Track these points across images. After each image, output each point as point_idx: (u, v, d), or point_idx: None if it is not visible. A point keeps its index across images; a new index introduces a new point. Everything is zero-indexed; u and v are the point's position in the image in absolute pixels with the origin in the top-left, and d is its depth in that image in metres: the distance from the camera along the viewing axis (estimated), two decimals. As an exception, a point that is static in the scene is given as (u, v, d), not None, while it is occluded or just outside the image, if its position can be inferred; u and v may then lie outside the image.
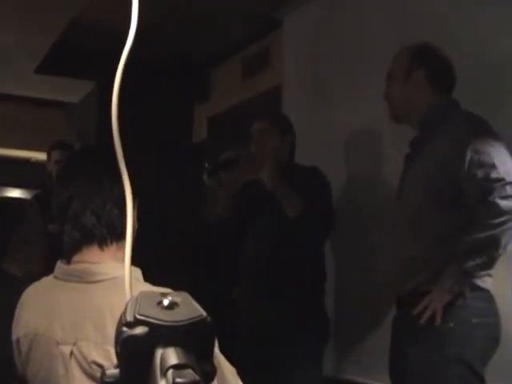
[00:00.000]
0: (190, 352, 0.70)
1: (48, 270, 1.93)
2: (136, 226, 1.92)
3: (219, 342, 1.75)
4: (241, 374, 1.79)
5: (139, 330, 0.71)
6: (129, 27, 0.90)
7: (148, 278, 1.82)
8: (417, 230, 2.91)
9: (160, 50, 5.96)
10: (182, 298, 0.75)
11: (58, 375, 1.71)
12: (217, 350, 1.72)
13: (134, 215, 1.90)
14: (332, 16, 4.49)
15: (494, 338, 2.78)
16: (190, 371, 0.66)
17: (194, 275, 5.09)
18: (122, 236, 1.75)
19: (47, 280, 1.90)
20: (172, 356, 0.68)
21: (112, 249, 1.81)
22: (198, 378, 0.66)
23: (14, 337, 1.88)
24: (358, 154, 4.19)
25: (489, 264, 2.69)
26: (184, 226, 5.85)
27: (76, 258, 1.83)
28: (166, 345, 0.70)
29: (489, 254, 2.65)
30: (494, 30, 3.29)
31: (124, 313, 0.73)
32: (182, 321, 0.71)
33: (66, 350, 1.70)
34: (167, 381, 0.66)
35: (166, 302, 0.74)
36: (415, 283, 2.89)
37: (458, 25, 3.46)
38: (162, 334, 0.70)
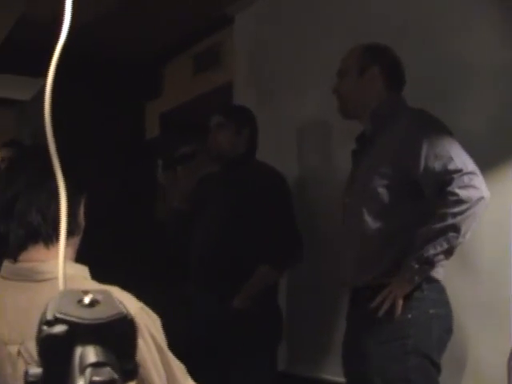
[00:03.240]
0: (109, 350, 0.69)
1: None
2: (82, 224, 1.92)
3: (168, 340, 1.75)
4: (191, 371, 1.79)
5: (58, 329, 0.70)
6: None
7: (96, 276, 1.82)
8: (370, 224, 2.93)
9: (111, 47, 5.92)
10: (104, 295, 0.75)
11: (6, 375, 1.70)
12: (165, 347, 1.72)
13: (80, 213, 1.89)
14: (282, 12, 4.50)
15: (448, 329, 2.85)
16: (108, 369, 0.66)
17: (144, 273, 5.08)
18: (69, 234, 1.74)
19: (-8, 280, 1.88)
20: (90, 354, 0.68)
21: (58, 247, 1.79)
22: (115, 376, 0.65)
23: None
24: (308, 149, 4.21)
25: (450, 252, 2.74)
26: (134, 223, 5.82)
27: (22, 256, 1.82)
28: (85, 343, 0.69)
29: (450, 242, 2.70)
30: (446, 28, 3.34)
31: (45, 311, 0.73)
32: (101, 319, 0.70)
33: (13, 349, 1.69)
34: (85, 379, 0.66)
35: (86, 299, 0.73)
36: (370, 277, 2.93)
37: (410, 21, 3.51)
38: (81, 333, 0.70)
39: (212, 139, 3.90)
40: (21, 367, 1.67)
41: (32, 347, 1.64)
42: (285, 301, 4.06)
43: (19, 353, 1.68)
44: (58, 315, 0.70)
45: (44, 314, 0.72)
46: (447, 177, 2.72)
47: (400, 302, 2.77)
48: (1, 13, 5.20)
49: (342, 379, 3.16)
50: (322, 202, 3.85)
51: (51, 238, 1.81)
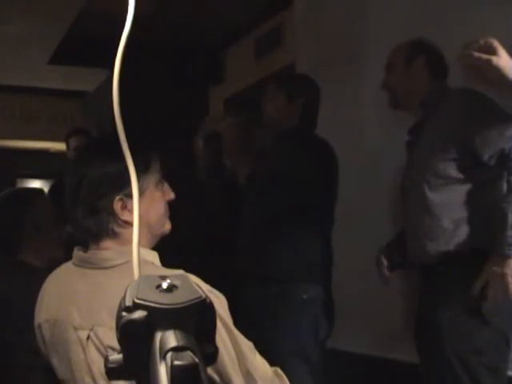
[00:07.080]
0: (189, 334, 0.69)
1: (68, 256, 1.95)
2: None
3: (233, 319, 1.76)
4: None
5: (138, 314, 0.70)
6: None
7: (166, 262, 1.83)
8: (432, 198, 2.92)
9: (172, 33, 5.95)
10: (182, 280, 0.75)
11: (79, 360, 1.73)
12: (232, 326, 1.73)
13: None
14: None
15: None
16: (188, 353, 0.66)
17: (212, 259, 5.07)
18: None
19: (66, 266, 1.92)
20: (171, 339, 0.68)
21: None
22: (196, 359, 0.65)
23: (35, 322, 1.90)
24: (372, 130, 4.16)
25: None
26: (198, 209, 5.83)
27: (91, 244, 1.84)
28: (165, 328, 0.69)
29: None
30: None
31: (124, 298, 0.73)
32: (180, 303, 0.70)
33: (83, 334, 1.72)
34: (166, 363, 0.66)
35: (164, 285, 0.73)
36: (437, 251, 2.91)
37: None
38: (160, 317, 0.70)
39: (263, 108, 3.65)
40: (91, 352, 1.70)
41: (101, 333, 1.67)
42: (356, 281, 4.05)
43: (89, 338, 1.70)
44: (137, 301, 0.71)
45: (123, 300, 0.72)
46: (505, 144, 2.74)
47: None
48: (62, 6, 5.27)
49: (414, 360, 3.13)
50: (389, 180, 3.80)
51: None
